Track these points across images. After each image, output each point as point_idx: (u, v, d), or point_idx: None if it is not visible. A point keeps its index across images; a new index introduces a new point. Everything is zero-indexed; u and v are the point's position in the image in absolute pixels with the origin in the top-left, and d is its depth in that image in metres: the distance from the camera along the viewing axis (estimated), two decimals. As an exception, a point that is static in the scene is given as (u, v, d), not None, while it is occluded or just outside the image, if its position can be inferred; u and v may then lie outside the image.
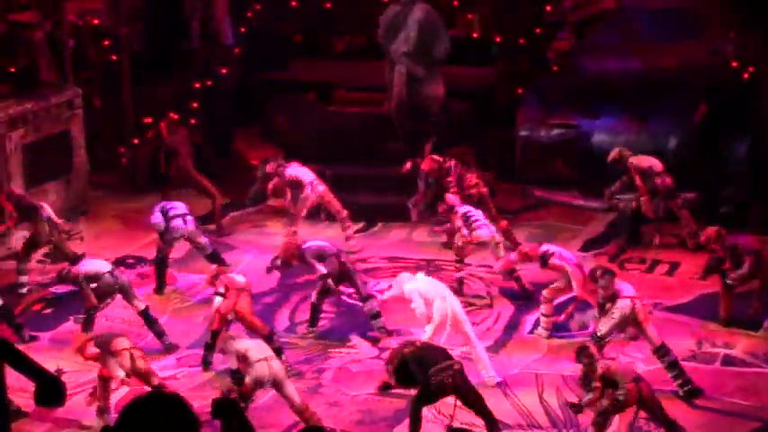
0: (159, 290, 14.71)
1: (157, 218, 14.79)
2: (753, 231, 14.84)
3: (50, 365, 11.54)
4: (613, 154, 15.98)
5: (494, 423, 11.20)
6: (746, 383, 12.46)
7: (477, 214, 14.75)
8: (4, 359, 5.95)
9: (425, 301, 12.52)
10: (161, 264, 14.85)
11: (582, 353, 11.06)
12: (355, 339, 13.65)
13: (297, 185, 16.13)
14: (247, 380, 11.46)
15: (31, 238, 14.93)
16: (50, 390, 5.98)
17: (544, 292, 13.55)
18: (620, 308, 12.23)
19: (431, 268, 15.42)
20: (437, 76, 18.07)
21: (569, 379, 12.51)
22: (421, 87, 17.97)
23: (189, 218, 14.86)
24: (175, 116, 17.27)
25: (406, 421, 11.71)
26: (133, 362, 11.73)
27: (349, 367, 13.02)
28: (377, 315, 13.68)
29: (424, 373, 11.00)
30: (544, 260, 13.52)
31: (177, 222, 14.72)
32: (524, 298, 14.43)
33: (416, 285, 12.67)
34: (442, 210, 15.44)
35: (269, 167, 16.41)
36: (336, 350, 13.38)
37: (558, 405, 12.05)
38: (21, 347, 10.79)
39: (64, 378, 11.20)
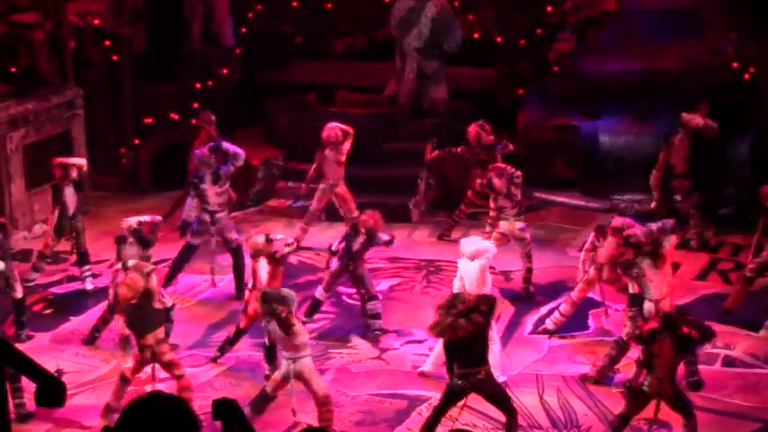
0: (166, 282, 14.59)
1: (190, 207, 14.69)
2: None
3: (51, 366, 11.58)
4: (697, 122, 15.69)
5: (513, 424, 11.20)
6: (747, 384, 12.46)
7: (509, 210, 14.53)
8: (5, 360, 5.95)
9: (461, 284, 12.43)
10: (181, 260, 14.77)
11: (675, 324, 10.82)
12: (356, 340, 13.66)
13: (317, 177, 16.07)
14: (276, 374, 11.50)
15: (57, 224, 14.72)
16: (51, 390, 5.98)
17: (573, 295, 13.50)
18: (646, 310, 12.28)
19: (431, 269, 15.46)
20: (442, 77, 18.16)
21: (570, 379, 12.54)
22: (428, 87, 18.05)
23: (219, 215, 14.71)
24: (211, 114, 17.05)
25: (407, 422, 11.75)
26: (156, 357, 11.71)
27: (349, 368, 13.02)
28: (377, 316, 13.69)
29: (451, 369, 10.97)
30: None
31: (204, 216, 14.70)
32: (525, 299, 14.42)
33: (465, 267, 12.46)
34: (479, 186, 15.37)
35: (334, 130, 15.84)
36: (337, 351, 13.38)
37: (558, 405, 12.06)
38: (21, 347, 10.86)
39: (64, 378, 11.21)
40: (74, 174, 14.70)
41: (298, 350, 11.31)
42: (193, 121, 17.25)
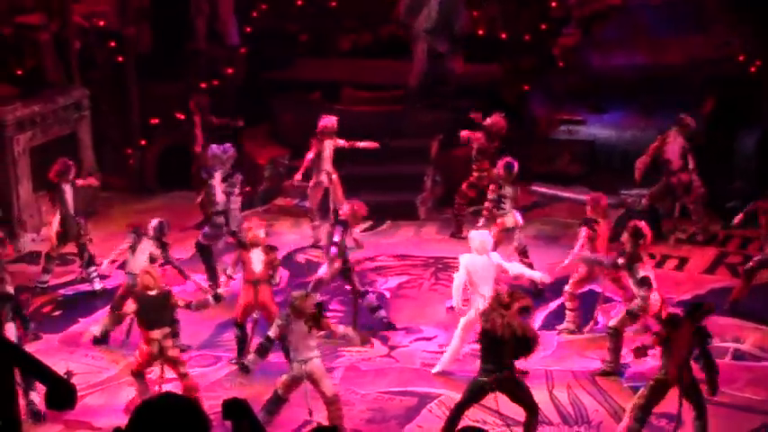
0: (211, 278, 14.59)
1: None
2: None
3: (60, 368, 11.58)
4: (692, 125, 15.74)
5: (533, 422, 11.19)
6: (757, 378, 12.45)
7: (509, 201, 14.59)
8: (15, 363, 5.96)
9: (469, 279, 12.44)
10: (204, 253, 14.79)
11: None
12: (364, 338, 13.66)
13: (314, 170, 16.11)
14: (284, 377, 11.51)
15: (63, 227, 14.75)
16: (61, 393, 5.99)
17: (567, 288, 13.52)
18: (654, 300, 12.41)
19: (439, 266, 15.45)
20: (456, 53, 18.32)
21: (580, 375, 12.53)
22: (441, 61, 18.25)
23: (231, 209, 14.81)
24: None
25: (417, 419, 11.75)
26: (163, 351, 11.77)
27: (359, 366, 13.02)
28: (376, 308, 13.70)
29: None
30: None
31: (217, 219, 14.74)
32: (533, 294, 14.38)
33: (472, 261, 12.50)
34: (476, 179, 15.81)
35: (330, 119, 15.97)
36: (346, 349, 13.36)
37: (568, 401, 12.05)
38: (30, 349, 10.87)
39: (74, 380, 11.21)
40: (74, 172, 14.75)
41: (311, 350, 11.35)
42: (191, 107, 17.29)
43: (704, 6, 18.48)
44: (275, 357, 12.87)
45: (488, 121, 16.02)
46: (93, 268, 14.88)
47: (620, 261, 12.62)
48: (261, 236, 12.97)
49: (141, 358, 11.83)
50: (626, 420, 11.05)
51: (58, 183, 14.68)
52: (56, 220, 14.74)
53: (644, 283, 12.46)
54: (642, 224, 12.65)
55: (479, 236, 12.73)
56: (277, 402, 11.50)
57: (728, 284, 14.46)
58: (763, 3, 17.69)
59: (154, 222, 13.62)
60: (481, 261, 12.47)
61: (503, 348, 10.82)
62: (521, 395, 11.09)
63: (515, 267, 13.07)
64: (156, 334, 11.72)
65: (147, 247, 13.42)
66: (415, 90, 18.29)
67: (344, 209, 13.89)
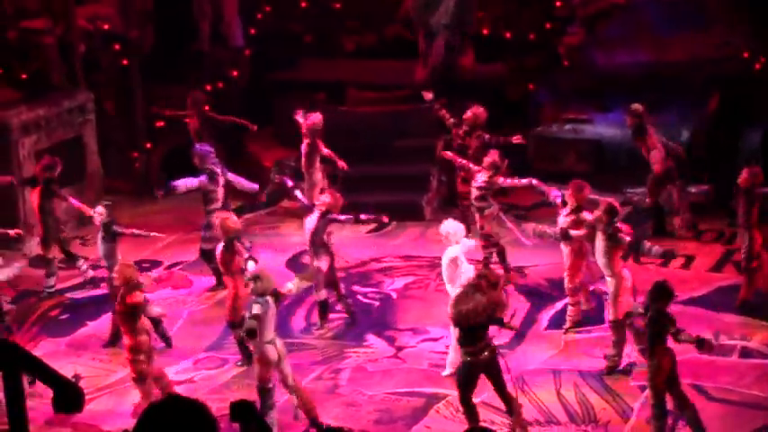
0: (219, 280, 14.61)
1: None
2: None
3: (68, 371, 11.60)
4: (635, 107, 15.80)
5: (514, 407, 11.18)
6: (764, 375, 12.42)
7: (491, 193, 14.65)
8: (21, 366, 5.96)
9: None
10: (208, 258, 14.82)
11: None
12: (371, 339, 13.66)
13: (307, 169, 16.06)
14: (257, 368, 11.47)
15: (46, 231, 14.79)
16: (68, 396, 5.98)
17: (566, 284, 13.51)
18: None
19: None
20: (468, 48, 18.43)
21: (586, 374, 12.52)
22: (455, 57, 18.51)
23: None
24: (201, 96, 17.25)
25: (424, 420, 11.74)
26: (149, 335, 11.86)
27: (365, 367, 13.01)
28: (344, 297, 13.90)
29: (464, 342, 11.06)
30: None
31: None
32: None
33: (458, 251, 12.53)
34: (463, 172, 15.69)
35: (318, 116, 15.97)
36: (353, 350, 13.37)
37: (575, 400, 12.03)
38: (37, 353, 10.88)
39: (82, 383, 11.22)
40: (59, 170, 14.77)
41: (273, 330, 11.34)
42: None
43: (706, 5, 18.47)
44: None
45: (469, 113, 15.98)
46: (80, 261, 14.90)
47: (575, 233, 12.80)
48: (236, 220, 12.99)
49: (132, 355, 11.78)
50: (633, 420, 11.04)
51: (52, 179, 14.63)
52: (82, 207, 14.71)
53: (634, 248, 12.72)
54: (615, 201, 12.68)
55: (455, 227, 12.73)
56: (267, 396, 11.38)
57: (735, 282, 14.43)
58: (763, 3, 17.68)
59: (100, 209, 13.62)
60: (458, 250, 12.53)
61: (485, 326, 10.92)
62: (497, 376, 11.07)
63: (468, 243, 13.08)
64: (143, 322, 11.78)
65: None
66: (425, 81, 18.32)
67: (325, 198, 13.88)
